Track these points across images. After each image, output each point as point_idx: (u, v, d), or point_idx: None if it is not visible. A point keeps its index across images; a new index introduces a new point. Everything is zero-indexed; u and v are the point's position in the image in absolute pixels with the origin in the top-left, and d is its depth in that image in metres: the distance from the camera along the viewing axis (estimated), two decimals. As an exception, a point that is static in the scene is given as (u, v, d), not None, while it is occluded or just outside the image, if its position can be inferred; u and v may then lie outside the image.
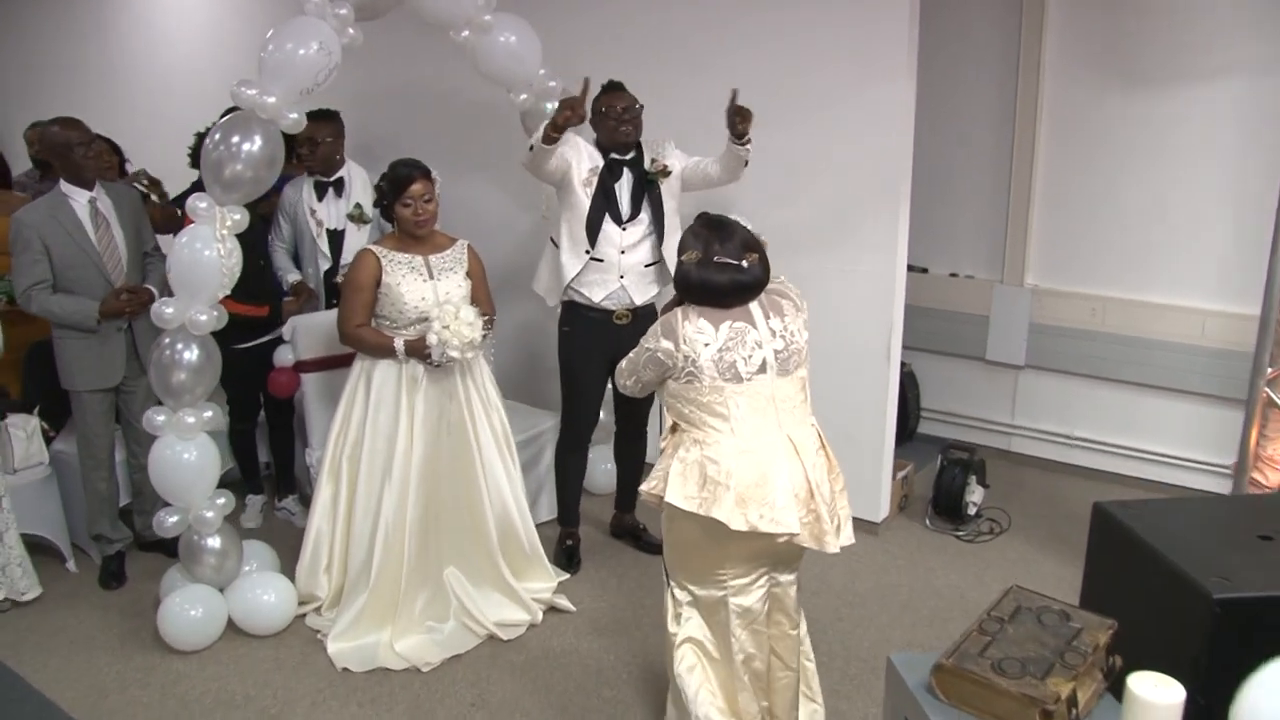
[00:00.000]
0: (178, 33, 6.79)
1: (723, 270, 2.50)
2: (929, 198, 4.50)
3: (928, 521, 4.39)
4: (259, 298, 4.04)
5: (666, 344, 2.51)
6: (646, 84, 3.84)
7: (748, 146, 3.56)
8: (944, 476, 4.35)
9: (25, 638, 3.56)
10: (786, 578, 2.70)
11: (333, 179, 4.27)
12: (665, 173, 3.75)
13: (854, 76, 3.95)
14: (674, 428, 2.62)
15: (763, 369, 2.50)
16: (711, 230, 2.57)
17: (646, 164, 3.76)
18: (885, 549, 4.16)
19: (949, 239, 5.02)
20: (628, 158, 3.75)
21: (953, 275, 5.07)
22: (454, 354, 3.32)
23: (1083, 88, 4.56)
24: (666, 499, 2.50)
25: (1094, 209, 4.64)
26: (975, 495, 4.34)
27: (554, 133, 3.43)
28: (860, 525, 4.18)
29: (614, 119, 3.67)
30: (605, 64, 3.83)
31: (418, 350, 3.38)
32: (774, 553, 2.60)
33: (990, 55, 4.75)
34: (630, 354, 2.68)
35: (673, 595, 2.73)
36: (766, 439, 2.50)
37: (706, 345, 2.48)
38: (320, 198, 4.28)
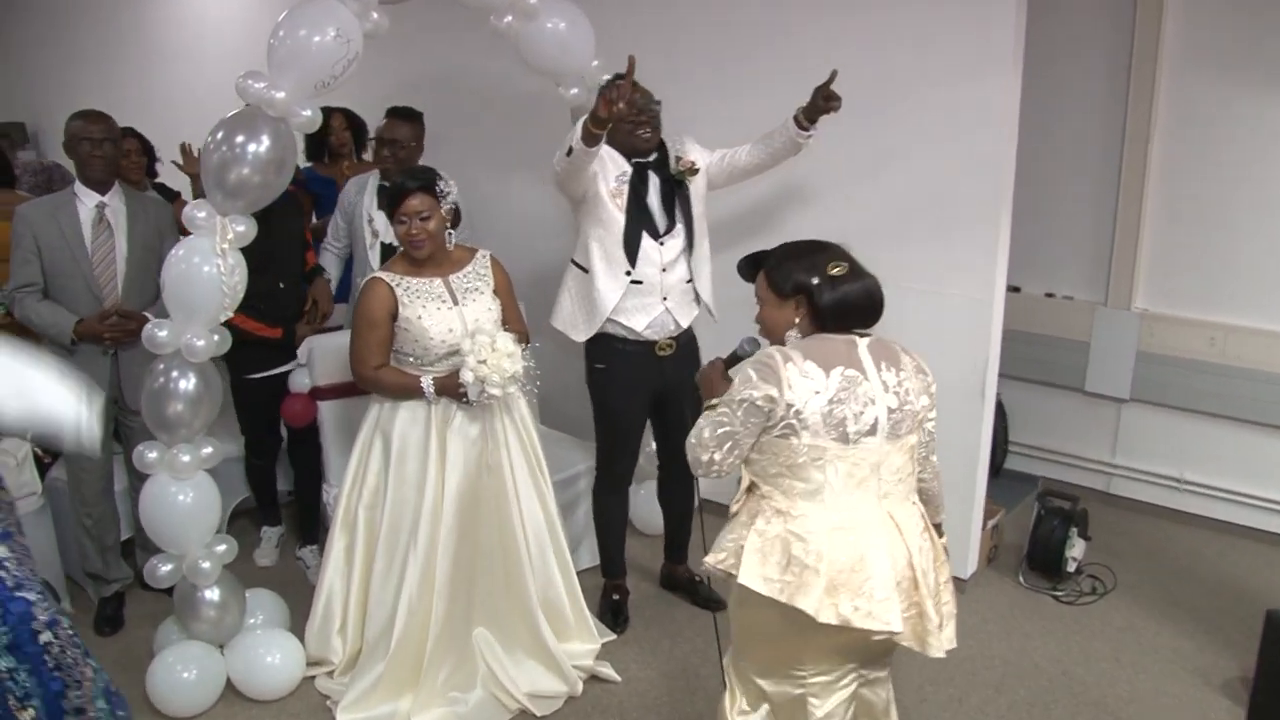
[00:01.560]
0: (216, 22, 6.47)
1: (868, 278, 2.14)
2: (1023, 207, 3.94)
3: (1021, 578, 3.86)
4: (272, 320, 3.56)
5: (769, 389, 2.03)
6: (713, 83, 3.39)
7: (811, 136, 3.18)
8: (1041, 528, 3.82)
9: (6, 692, 3.19)
10: (879, 675, 2.28)
11: None
12: (693, 170, 3.32)
13: (952, 70, 3.44)
14: (750, 488, 2.18)
15: (873, 430, 2.07)
16: (824, 250, 2.18)
17: (671, 164, 3.31)
18: (974, 611, 3.64)
19: (1045, 254, 4.48)
20: (651, 159, 3.30)
21: (1049, 295, 4.54)
22: (494, 391, 2.87)
23: (1206, 85, 4.01)
24: (740, 579, 2.08)
25: (1216, 224, 4.09)
26: (1076, 549, 3.80)
27: (596, 129, 2.93)
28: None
29: (630, 120, 3.18)
30: (666, 57, 3.38)
31: (450, 389, 2.93)
32: (865, 648, 2.17)
33: (1099, 46, 4.22)
34: (702, 422, 2.17)
35: (732, 688, 2.31)
36: (864, 514, 2.07)
37: (817, 393, 2.04)
38: (380, 205, 3.83)
